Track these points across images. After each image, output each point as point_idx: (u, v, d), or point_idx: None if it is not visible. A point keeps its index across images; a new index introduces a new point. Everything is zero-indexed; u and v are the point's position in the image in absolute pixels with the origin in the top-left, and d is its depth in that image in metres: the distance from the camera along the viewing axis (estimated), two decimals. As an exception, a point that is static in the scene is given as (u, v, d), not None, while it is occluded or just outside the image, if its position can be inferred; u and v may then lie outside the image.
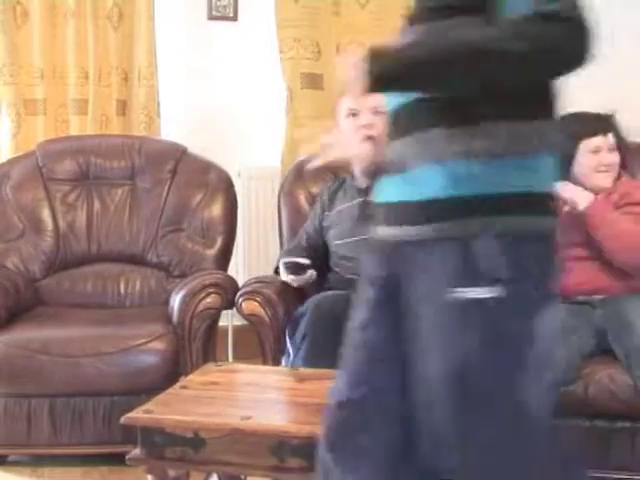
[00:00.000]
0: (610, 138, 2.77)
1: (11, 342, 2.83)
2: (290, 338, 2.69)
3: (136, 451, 2.03)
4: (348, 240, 2.88)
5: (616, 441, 2.55)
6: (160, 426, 1.99)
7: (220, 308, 2.94)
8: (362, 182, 2.89)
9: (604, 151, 2.77)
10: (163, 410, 2.05)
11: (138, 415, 2.03)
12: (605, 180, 2.79)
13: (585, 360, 2.55)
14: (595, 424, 2.56)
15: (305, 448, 1.89)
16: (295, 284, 2.85)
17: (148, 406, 2.07)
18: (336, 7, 3.76)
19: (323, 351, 2.44)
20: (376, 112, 2.69)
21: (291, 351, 2.67)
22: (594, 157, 2.76)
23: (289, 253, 2.98)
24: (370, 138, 2.65)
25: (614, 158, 2.79)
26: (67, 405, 2.82)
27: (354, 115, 2.80)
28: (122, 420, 2.02)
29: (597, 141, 2.76)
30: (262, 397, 2.21)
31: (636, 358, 2.49)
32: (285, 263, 2.87)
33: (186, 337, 2.87)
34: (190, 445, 1.97)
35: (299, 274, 2.82)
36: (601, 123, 2.78)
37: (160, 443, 1.99)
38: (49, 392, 2.80)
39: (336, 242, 2.94)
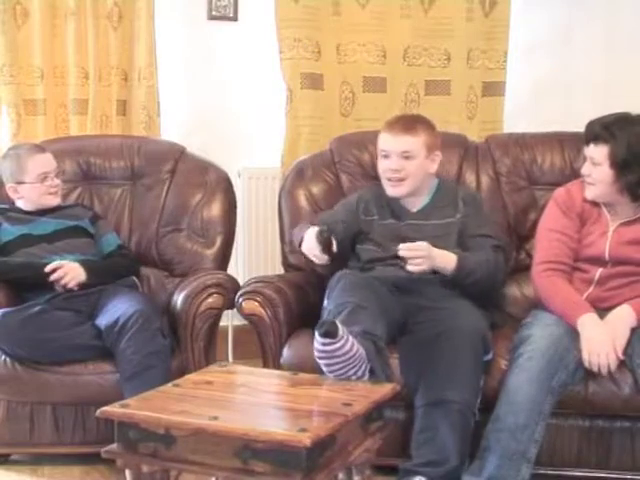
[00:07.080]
0: None
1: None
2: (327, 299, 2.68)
3: (113, 445, 2.03)
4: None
5: (616, 441, 2.56)
6: (135, 421, 1.98)
7: (222, 308, 2.94)
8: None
9: None
10: (140, 405, 2.04)
11: (114, 409, 2.02)
12: None
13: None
14: (595, 424, 2.57)
15: (269, 452, 1.86)
16: (317, 261, 2.65)
17: (126, 400, 2.08)
18: (336, 7, 3.76)
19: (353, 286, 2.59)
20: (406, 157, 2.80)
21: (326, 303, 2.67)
22: None
23: (328, 224, 2.74)
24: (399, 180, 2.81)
25: None
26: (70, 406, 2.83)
27: (385, 157, 2.85)
28: (97, 413, 2.02)
29: None
30: (243, 398, 2.18)
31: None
32: (321, 232, 2.61)
33: (188, 337, 2.87)
34: (162, 442, 1.96)
35: (326, 253, 2.61)
36: None
37: (134, 438, 1.98)
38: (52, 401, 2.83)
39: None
